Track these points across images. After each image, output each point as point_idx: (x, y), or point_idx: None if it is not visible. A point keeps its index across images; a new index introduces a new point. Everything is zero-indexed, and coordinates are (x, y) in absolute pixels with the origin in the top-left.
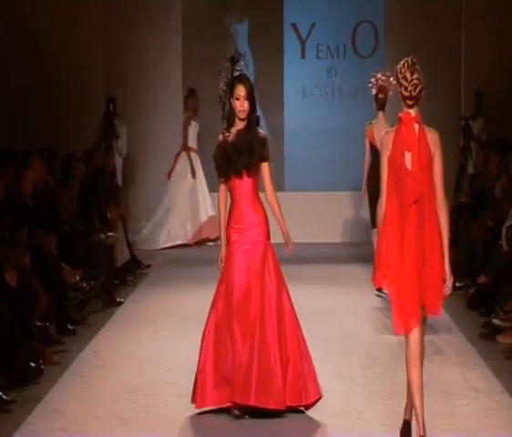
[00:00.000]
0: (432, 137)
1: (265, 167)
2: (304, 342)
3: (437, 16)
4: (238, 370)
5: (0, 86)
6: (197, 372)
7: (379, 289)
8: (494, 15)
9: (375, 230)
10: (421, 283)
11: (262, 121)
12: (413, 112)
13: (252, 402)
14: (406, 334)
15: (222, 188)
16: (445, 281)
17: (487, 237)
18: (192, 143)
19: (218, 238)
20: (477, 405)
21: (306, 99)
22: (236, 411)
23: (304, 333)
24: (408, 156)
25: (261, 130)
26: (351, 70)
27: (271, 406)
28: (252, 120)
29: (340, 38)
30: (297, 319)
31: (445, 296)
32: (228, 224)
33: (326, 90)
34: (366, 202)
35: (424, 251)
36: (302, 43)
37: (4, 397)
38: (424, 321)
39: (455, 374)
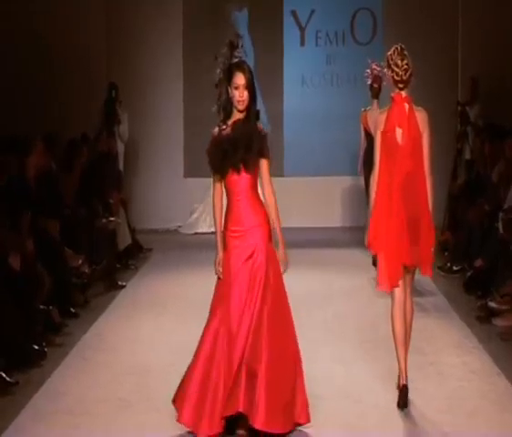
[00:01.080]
0: (421, 116)
1: (264, 164)
2: (299, 359)
3: (435, 4)
4: (237, 391)
5: (3, 72)
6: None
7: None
8: (490, 2)
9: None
10: (412, 247)
11: (262, 108)
12: (403, 93)
13: (259, 426)
14: (389, 292)
15: (218, 186)
16: (433, 245)
17: (484, 221)
18: None
19: None
20: (474, 387)
21: (305, 86)
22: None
23: (303, 317)
24: (399, 132)
25: (262, 125)
26: (349, 57)
27: (280, 430)
28: (252, 113)
29: (339, 25)
30: (294, 328)
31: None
32: (224, 227)
33: (325, 77)
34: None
35: (415, 219)
36: (302, 30)
37: (7, 379)
38: (410, 283)
39: (452, 357)
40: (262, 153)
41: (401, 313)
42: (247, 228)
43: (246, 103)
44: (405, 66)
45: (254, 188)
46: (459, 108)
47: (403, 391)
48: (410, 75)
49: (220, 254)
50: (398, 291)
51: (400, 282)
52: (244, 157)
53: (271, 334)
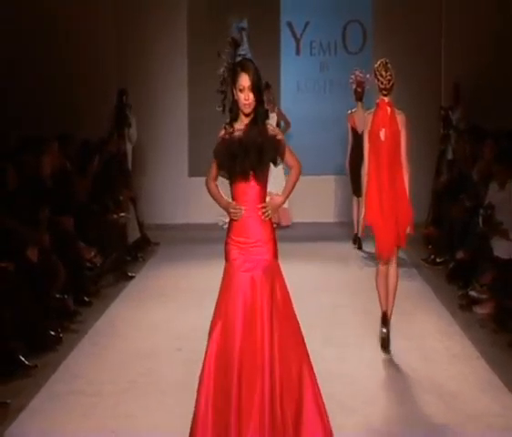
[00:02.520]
0: (400, 118)
1: (285, 159)
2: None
3: (419, 17)
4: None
5: (22, 78)
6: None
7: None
8: (471, 15)
9: (355, 198)
10: (394, 224)
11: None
12: (386, 99)
13: None
14: (387, 259)
15: (213, 174)
16: (409, 223)
17: (466, 217)
18: None
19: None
20: (456, 370)
21: (300, 91)
22: None
23: (298, 306)
24: (383, 131)
25: (272, 126)
26: (341, 65)
27: None
28: (259, 115)
29: (331, 36)
30: (306, 348)
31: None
32: (227, 236)
33: (319, 83)
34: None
35: (396, 199)
36: (297, 40)
37: (26, 362)
38: (396, 254)
39: (436, 342)
40: (275, 161)
41: (383, 281)
42: (252, 241)
43: (252, 105)
44: (389, 77)
45: (263, 199)
46: (442, 112)
47: (386, 338)
48: (392, 84)
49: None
50: (383, 266)
51: (388, 255)
52: (255, 166)
53: (283, 365)
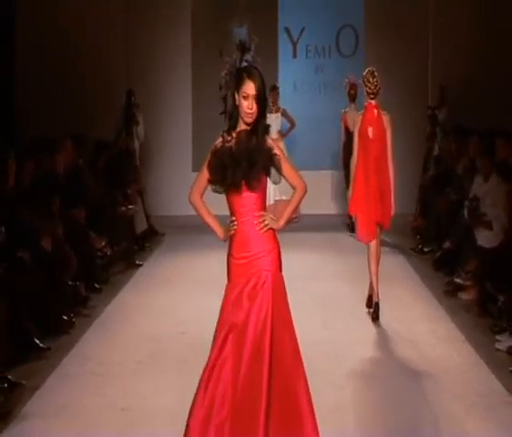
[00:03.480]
0: (385, 118)
1: (283, 171)
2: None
3: (408, 22)
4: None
5: (37, 81)
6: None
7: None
8: (457, 21)
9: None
10: (379, 210)
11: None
12: (373, 102)
13: None
14: (367, 243)
15: (200, 185)
16: (392, 208)
17: (451, 209)
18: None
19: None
20: (442, 352)
21: (297, 92)
22: None
23: (295, 293)
24: (370, 129)
25: (271, 141)
26: (335, 68)
27: None
28: (260, 127)
29: (326, 40)
30: (302, 362)
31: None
32: (229, 253)
33: (314, 85)
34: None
35: (382, 190)
36: (294, 44)
37: (41, 345)
38: (379, 235)
39: (423, 325)
40: (267, 169)
41: (374, 257)
42: (254, 253)
43: (255, 116)
44: (375, 83)
45: (262, 207)
46: (429, 112)
47: (376, 307)
48: (378, 89)
49: (219, 229)
50: (373, 243)
51: (373, 236)
52: (246, 175)
53: (279, 381)
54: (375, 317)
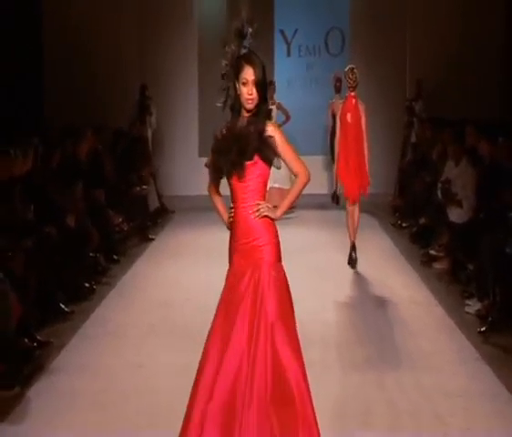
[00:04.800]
0: (361, 107)
1: (284, 155)
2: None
3: (388, 25)
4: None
5: (64, 78)
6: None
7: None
8: (432, 19)
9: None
10: (357, 180)
11: None
12: (353, 93)
13: None
14: (348, 205)
15: (212, 187)
16: (368, 178)
17: (426, 189)
18: None
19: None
20: (418, 314)
21: (291, 87)
22: None
23: (289, 264)
24: (349, 115)
25: (272, 124)
26: (324, 65)
27: None
28: (261, 112)
29: (316, 41)
30: (301, 354)
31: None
32: (230, 238)
33: (306, 80)
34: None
35: (359, 164)
36: (288, 45)
37: (65, 309)
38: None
39: (401, 291)
40: (263, 153)
41: (352, 218)
42: (253, 239)
43: (255, 102)
44: (354, 78)
45: (262, 195)
46: (407, 104)
47: (353, 247)
48: (357, 83)
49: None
50: (350, 207)
51: (353, 201)
52: (235, 162)
53: (276, 370)
54: (353, 259)
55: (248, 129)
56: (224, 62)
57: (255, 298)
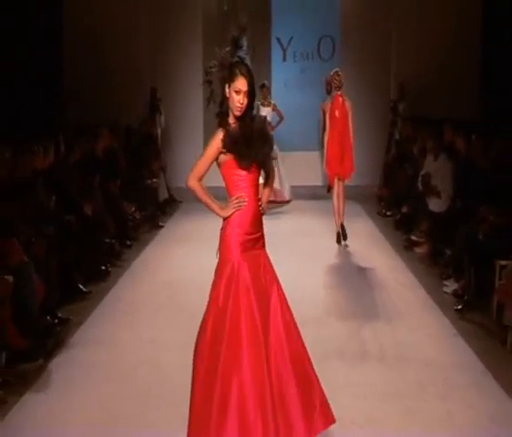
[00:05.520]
0: (347, 104)
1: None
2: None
3: (375, 33)
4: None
5: (82, 80)
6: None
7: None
8: (414, 30)
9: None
10: (342, 166)
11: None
12: (339, 93)
13: None
14: (332, 187)
15: (204, 164)
16: (353, 165)
17: (408, 181)
18: None
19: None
20: (401, 294)
21: (287, 88)
22: None
23: (284, 247)
24: (336, 112)
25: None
26: (316, 69)
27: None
28: (248, 117)
29: (309, 47)
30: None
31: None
32: (235, 227)
33: (300, 82)
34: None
35: (344, 153)
36: (284, 50)
37: (84, 289)
38: (343, 184)
39: (385, 274)
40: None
41: (338, 199)
42: (259, 231)
43: (244, 109)
44: (339, 79)
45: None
46: (391, 104)
47: (340, 234)
48: (342, 84)
49: (218, 207)
50: (337, 186)
51: (337, 184)
52: (266, 153)
53: (290, 349)
54: (342, 237)
55: (264, 126)
56: (213, 62)
57: (270, 282)
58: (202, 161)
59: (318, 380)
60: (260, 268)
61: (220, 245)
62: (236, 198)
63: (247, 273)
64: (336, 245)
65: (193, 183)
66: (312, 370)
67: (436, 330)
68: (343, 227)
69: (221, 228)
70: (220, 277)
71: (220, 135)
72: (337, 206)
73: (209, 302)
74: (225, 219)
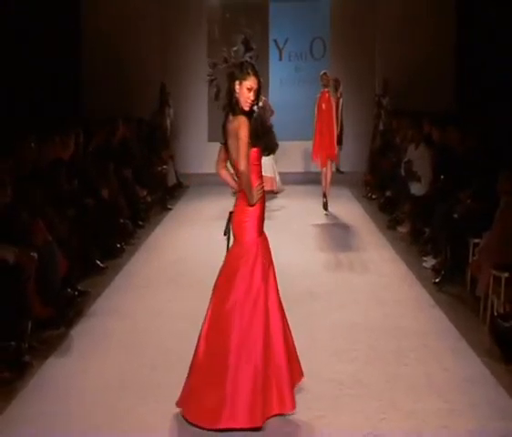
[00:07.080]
0: (333, 99)
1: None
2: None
3: (361, 34)
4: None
5: (99, 76)
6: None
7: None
8: (397, 31)
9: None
10: (327, 150)
11: None
12: (326, 89)
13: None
14: (321, 168)
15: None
16: (335, 149)
17: (392, 168)
18: None
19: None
20: (385, 269)
21: (282, 85)
22: None
23: (279, 228)
24: (323, 105)
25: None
26: (309, 68)
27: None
28: (253, 111)
29: (302, 48)
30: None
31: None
32: (261, 211)
33: (294, 80)
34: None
35: (329, 139)
36: (280, 51)
37: (100, 265)
38: (331, 164)
39: (371, 252)
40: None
41: (325, 177)
42: (264, 216)
43: (252, 104)
44: (326, 79)
45: None
46: (376, 98)
47: (326, 204)
48: (328, 82)
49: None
50: (323, 170)
51: (325, 165)
52: (274, 142)
53: (282, 325)
54: (325, 203)
55: (264, 118)
56: (216, 60)
57: (270, 262)
58: (245, 149)
59: (296, 352)
60: (268, 249)
61: (238, 229)
62: (259, 185)
63: (263, 255)
64: (325, 217)
65: (248, 168)
66: (293, 344)
67: (416, 301)
68: (325, 196)
69: (238, 213)
70: (246, 260)
71: (247, 124)
72: (324, 183)
73: (232, 282)
74: (240, 205)
